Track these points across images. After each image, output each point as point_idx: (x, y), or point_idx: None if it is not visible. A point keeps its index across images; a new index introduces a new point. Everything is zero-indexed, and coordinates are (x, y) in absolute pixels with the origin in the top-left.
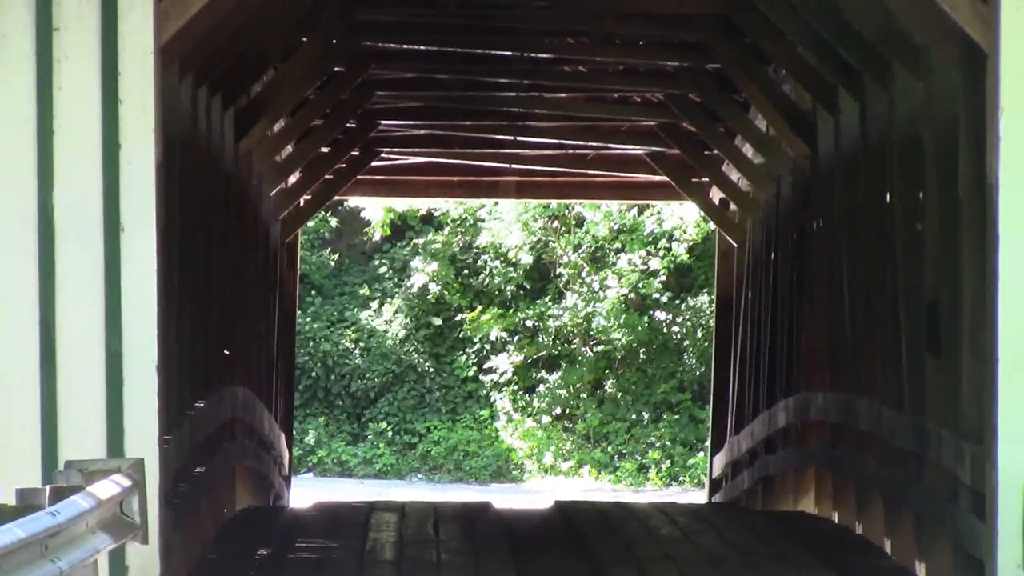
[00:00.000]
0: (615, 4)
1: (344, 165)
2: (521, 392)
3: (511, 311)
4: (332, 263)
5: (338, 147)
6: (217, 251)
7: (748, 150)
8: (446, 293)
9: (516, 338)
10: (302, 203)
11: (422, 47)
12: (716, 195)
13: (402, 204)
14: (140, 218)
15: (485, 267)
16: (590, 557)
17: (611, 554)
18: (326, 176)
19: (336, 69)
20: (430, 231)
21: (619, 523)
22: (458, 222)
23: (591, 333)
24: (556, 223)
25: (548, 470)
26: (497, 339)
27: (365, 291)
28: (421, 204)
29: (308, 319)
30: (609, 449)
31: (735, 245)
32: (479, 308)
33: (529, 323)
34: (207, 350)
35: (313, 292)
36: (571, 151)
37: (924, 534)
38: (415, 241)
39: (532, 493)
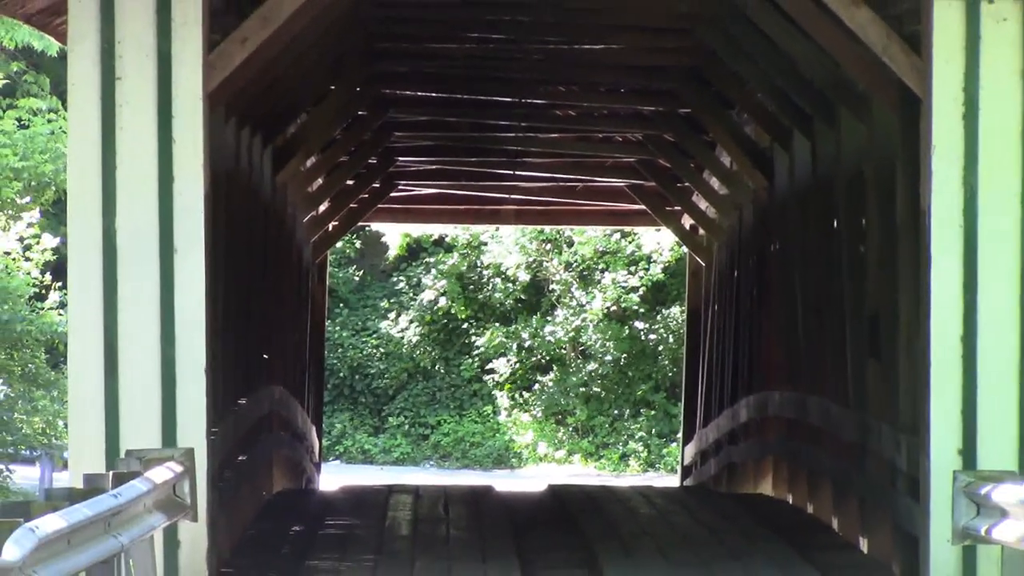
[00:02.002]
0: (600, 57)
1: (367, 195)
2: (519, 391)
3: (511, 323)
4: (356, 279)
5: (361, 180)
6: (257, 270)
7: (715, 183)
8: (454, 306)
9: (515, 345)
10: (330, 228)
11: (434, 94)
12: (687, 221)
13: (417, 229)
14: (191, 241)
15: (488, 283)
16: (579, 533)
17: (597, 530)
18: (351, 205)
19: (360, 113)
20: (441, 252)
21: (604, 504)
22: (465, 245)
23: (579, 341)
24: (549, 246)
25: (543, 458)
26: (498, 345)
27: (385, 304)
28: (433, 229)
29: (336, 327)
30: (595, 440)
31: (703, 265)
32: (490, 331)
33: (526, 331)
34: (248, 355)
35: (340, 304)
36: (562, 183)
37: (867, 514)
38: (428, 261)
39: (529, 478)
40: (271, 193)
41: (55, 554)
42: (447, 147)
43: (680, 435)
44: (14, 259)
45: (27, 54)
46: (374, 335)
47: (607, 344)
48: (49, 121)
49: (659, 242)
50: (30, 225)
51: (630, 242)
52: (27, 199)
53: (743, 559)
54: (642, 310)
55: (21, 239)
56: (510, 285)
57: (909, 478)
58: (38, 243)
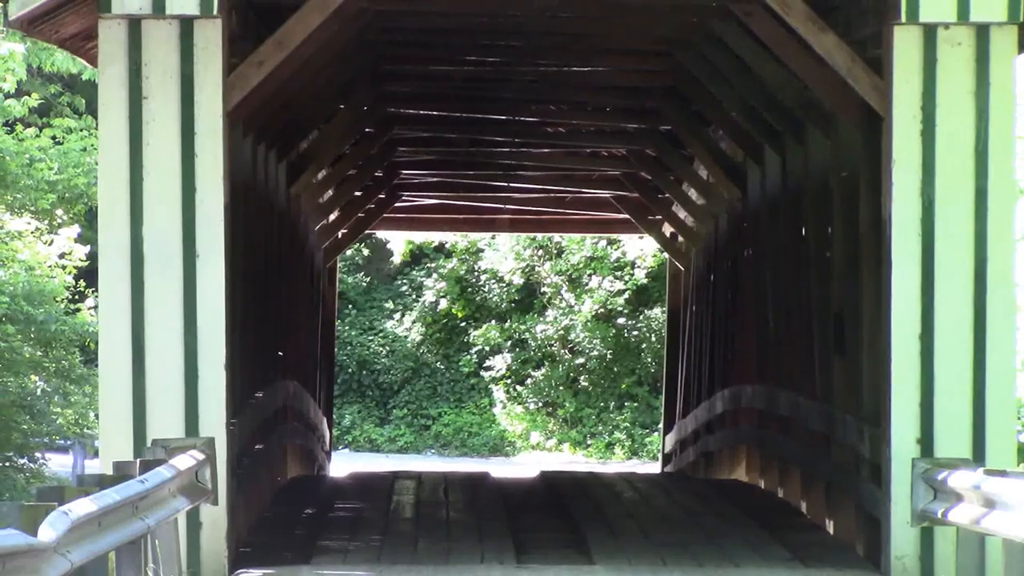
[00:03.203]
0: (587, 78)
1: (373, 206)
2: (513, 385)
3: (506, 323)
4: (364, 283)
5: (368, 191)
6: (273, 274)
7: (693, 194)
8: (454, 307)
9: (509, 343)
10: (340, 236)
11: (435, 112)
12: (668, 229)
13: (419, 237)
14: (212, 247)
15: (485, 286)
16: (568, 515)
17: (585, 513)
18: (359, 214)
19: (367, 130)
20: (441, 258)
21: (591, 489)
22: (463, 251)
23: (569, 339)
24: (541, 252)
25: (535, 447)
26: (494, 343)
27: (390, 305)
28: (434, 237)
29: (345, 327)
30: (583, 430)
31: (683, 269)
32: (485, 326)
33: (519, 331)
34: (265, 352)
35: (349, 306)
36: (552, 194)
37: (833, 498)
38: (429, 265)
39: (522, 465)
40: (285, 203)
41: (87, 535)
42: (447, 161)
43: (661, 425)
44: (50, 266)
45: (61, 77)
46: (380, 334)
47: (594, 342)
48: (83, 138)
49: (642, 249)
50: (67, 238)
51: (615, 249)
52: (68, 215)
53: (719, 539)
54: (626, 311)
55: (55, 247)
56: (505, 288)
57: (872, 465)
58: (71, 253)
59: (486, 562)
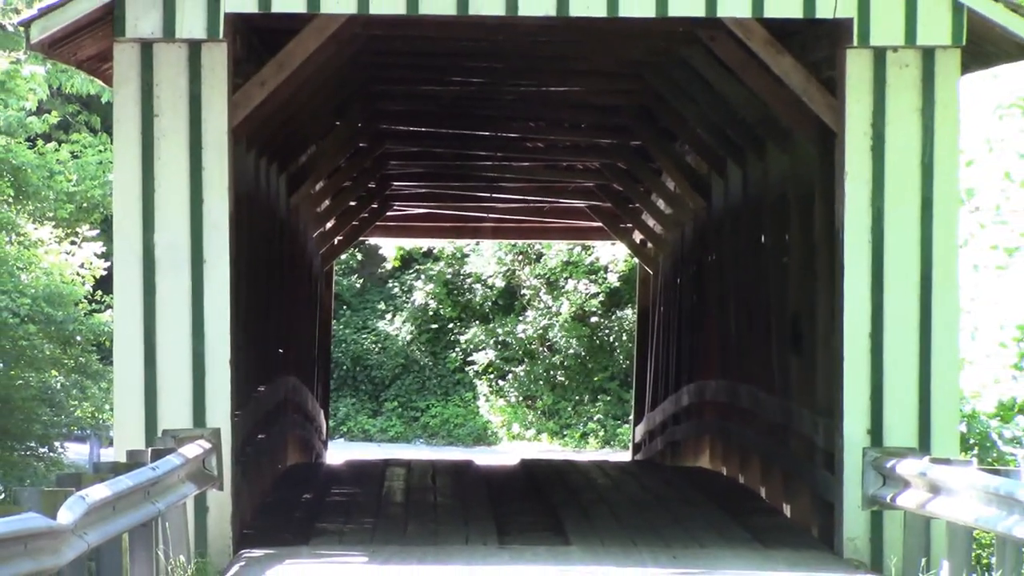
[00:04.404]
0: (564, 97)
1: (367, 214)
2: (496, 380)
3: (489, 323)
4: (358, 285)
5: (362, 201)
6: (274, 277)
7: (661, 204)
8: (441, 308)
9: (492, 340)
10: (336, 242)
11: (424, 129)
12: (638, 236)
13: (409, 243)
14: (218, 253)
15: (470, 289)
16: (546, 500)
17: (561, 498)
18: (353, 222)
19: (361, 145)
20: (430, 262)
21: (567, 475)
22: (450, 256)
23: (547, 337)
24: (521, 257)
25: (515, 437)
26: (478, 341)
27: (382, 306)
28: (423, 243)
29: (340, 326)
30: (560, 421)
31: (651, 273)
32: (473, 329)
33: (501, 330)
34: (267, 349)
35: (344, 307)
36: (532, 204)
37: (790, 484)
38: (419, 269)
39: (504, 453)
40: (286, 212)
41: (102, 518)
42: (435, 174)
43: (632, 417)
44: (70, 274)
45: (79, 98)
46: (373, 332)
47: (570, 340)
48: (99, 152)
49: (614, 254)
50: (93, 253)
51: (590, 254)
52: (96, 231)
53: (685, 522)
54: (600, 311)
55: (77, 258)
56: (488, 290)
57: (825, 454)
58: (91, 263)
59: (471, 543)
